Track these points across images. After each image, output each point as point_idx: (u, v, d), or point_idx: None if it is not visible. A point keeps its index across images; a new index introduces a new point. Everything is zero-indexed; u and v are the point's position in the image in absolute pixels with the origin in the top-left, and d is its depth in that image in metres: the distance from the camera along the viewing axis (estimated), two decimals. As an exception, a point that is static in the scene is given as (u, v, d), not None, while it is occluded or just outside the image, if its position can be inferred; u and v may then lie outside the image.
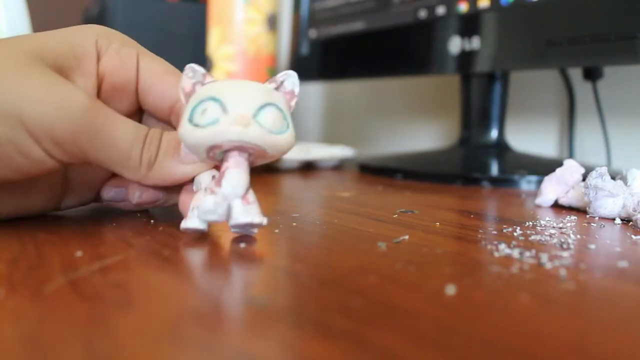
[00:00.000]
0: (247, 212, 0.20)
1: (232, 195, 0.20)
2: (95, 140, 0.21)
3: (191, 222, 0.21)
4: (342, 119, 0.93)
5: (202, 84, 0.21)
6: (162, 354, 0.12)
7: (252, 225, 0.21)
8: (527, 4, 0.46)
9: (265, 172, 0.51)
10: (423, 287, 0.16)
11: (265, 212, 0.22)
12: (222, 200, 0.20)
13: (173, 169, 0.23)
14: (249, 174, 0.21)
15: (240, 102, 0.20)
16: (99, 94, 0.24)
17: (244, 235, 0.22)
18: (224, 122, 0.20)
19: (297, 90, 0.22)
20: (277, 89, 0.22)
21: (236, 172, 0.20)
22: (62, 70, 0.22)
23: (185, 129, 0.20)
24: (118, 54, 0.24)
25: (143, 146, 0.22)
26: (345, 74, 0.67)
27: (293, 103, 0.22)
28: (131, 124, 0.22)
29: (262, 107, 0.20)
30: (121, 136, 0.22)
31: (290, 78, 0.22)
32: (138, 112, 0.27)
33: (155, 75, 0.25)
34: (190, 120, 0.20)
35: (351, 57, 0.64)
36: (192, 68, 0.21)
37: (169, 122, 0.26)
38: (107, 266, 0.18)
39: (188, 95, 0.21)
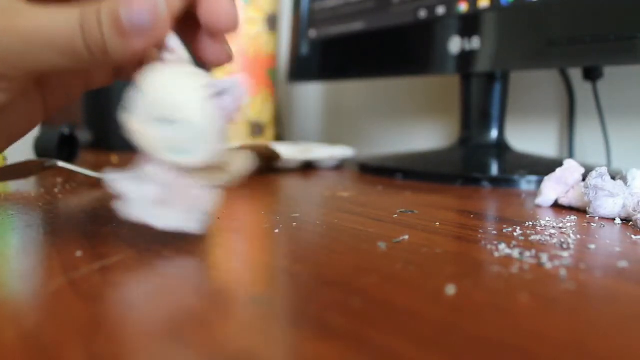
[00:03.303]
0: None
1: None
2: (26, 50, 0.18)
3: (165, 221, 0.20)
4: (342, 119, 0.93)
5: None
6: (162, 354, 0.12)
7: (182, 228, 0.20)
8: (527, 4, 0.46)
9: (265, 172, 0.51)
10: (423, 287, 0.16)
11: (265, 212, 0.22)
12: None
13: (129, 47, 0.19)
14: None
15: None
16: None
17: (244, 235, 0.22)
18: None
19: (239, 94, 0.19)
20: (214, 97, 0.19)
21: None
22: None
23: None
24: None
25: (84, 35, 0.19)
26: (345, 74, 0.67)
27: (235, 110, 0.20)
28: (59, 12, 0.19)
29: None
30: (54, 33, 0.18)
31: (232, 89, 0.19)
32: None
33: None
34: None
35: (351, 57, 0.64)
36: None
37: None
38: (107, 266, 0.18)
39: None
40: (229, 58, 0.23)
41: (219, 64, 0.23)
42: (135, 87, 0.20)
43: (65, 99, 0.25)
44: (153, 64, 0.20)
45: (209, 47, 0.23)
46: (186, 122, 0.19)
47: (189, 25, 0.23)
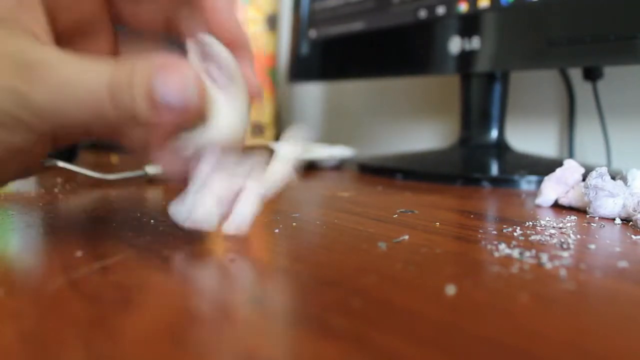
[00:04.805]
0: None
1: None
2: (54, 105, 0.18)
3: (189, 222, 0.21)
4: (342, 119, 0.93)
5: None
6: (162, 354, 0.12)
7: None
8: (527, 4, 0.46)
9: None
10: (423, 287, 0.16)
11: (265, 212, 0.22)
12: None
13: (158, 118, 0.19)
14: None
15: None
16: (59, 38, 0.21)
17: (244, 235, 0.22)
18: None
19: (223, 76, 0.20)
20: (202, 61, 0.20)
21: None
22: (1, 20, 0.19)
23: None
24: None
25: (113, 97, 0.18)
26: (345, 74, 0.67)
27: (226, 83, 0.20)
28: (90, 67, 0.18)
29: None
30: (82, 91, 0.18)
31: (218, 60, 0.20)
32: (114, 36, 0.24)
33: None
34: None
35: (351, 57, 0.64)
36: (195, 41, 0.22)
37: (160, 32, 0.23)
38: (107, 266, 0.18)
39: None
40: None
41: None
42: None
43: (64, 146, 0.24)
44: None
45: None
46: None
47: None
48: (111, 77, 0.18)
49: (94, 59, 0.19)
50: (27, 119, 0.18)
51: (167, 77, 0.18)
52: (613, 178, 0.30)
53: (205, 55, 0.20)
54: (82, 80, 0.18)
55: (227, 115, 0.20)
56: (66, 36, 0.23)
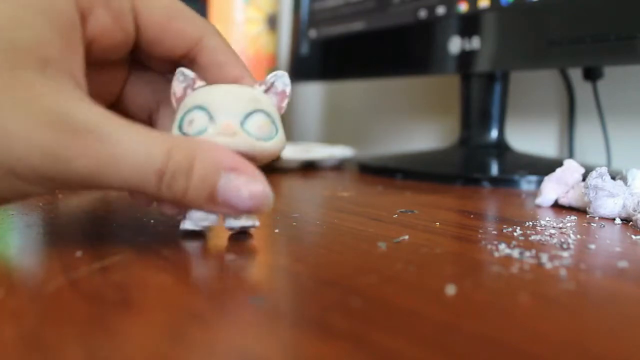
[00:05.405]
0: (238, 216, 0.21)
1: None
2: (95, 175, 0.17)
3: (188, 224, 0.21)
4: (342, 119, 0.93)
5: (192, 88, 0.21)
6: (162, 354, 0.12)
7: (244, 227, 0.22)
8: (527, 4, 0.46)
9: (265, 172, 0.50)
10: (423, 287, 0.16)
11: (265, 212, 0.22)
12: None
13: (206, 209, 0.19)
14: None
15: (227, 111, 0.20)
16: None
17: (244, 235, 0.22)
18: (211, 131, 0.20)
19: (288, 90, 0.22)
20: (267, 91, 0.21)
21: None
22: (49, 61, 0.17)
23: None
24: (108, 7, 0.20)
25: (161, 182, 0.18)
26: (345, 74, 0.67)
27: (284, 104, 0.22)
28: (143, 139, 0.17)
29: (249, 114, 0.20)
30: (131, 164, 0.17)
31: (281, 78, 0.21)
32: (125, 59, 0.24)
33: (163, 19, 0.21)
34: (180, 129, 0.21)
35: (351, 57, 0.64)
36: (182, 72, 0.22)
37: (174, 66, 0.22)
38: (107, 266, 0.18)
39: (179, 101, 0.22)
40: None
41: None
42: (198, 111, 0.20)
43: None
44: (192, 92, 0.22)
45: None
46: (264, 109, 0.21)
47: None
48: (166, 157, 0.18)
49: (147, 131, 0.18)
50: (59, 179, 0.17)
51: (237, 182, 0.19)
52: (613, 178, 0.30)
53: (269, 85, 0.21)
54: (132, 157, 0.17)
55: (282, 130, 0.21)
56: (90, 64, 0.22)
